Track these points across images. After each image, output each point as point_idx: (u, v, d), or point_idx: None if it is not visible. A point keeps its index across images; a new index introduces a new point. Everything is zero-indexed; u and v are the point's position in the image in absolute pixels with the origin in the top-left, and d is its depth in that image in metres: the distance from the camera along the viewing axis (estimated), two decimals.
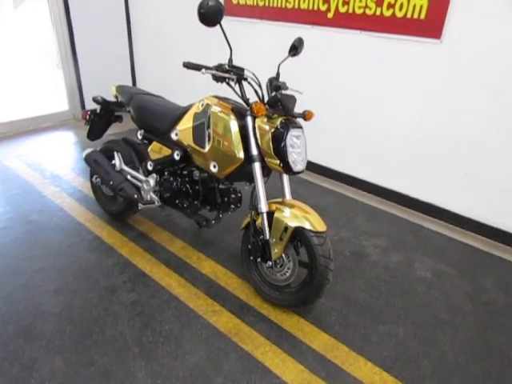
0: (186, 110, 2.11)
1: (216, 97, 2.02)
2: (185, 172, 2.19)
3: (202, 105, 1.99)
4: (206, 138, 1.93)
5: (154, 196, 2.26)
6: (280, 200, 1.95)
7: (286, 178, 1.99)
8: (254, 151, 1.83)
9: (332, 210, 2.98)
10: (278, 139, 1.75)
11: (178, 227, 2.63)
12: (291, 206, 1.87)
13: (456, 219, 2.82)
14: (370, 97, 2.96)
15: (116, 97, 2.49)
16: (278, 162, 1.77)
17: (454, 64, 2.49)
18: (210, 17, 1.65)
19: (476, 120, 2.53)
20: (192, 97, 2.63)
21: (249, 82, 1.87)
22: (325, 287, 1.84)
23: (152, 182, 2.25)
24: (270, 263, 1.89)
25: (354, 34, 2.83)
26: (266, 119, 1.80)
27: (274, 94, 1.82)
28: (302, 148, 1.82)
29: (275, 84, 1.91)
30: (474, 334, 1.95)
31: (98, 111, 2.58)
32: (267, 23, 3.27)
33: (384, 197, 3.15)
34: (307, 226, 1.78)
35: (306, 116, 1.89)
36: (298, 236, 1.83)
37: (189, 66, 1.78)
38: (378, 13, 2.63)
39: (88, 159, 2.42)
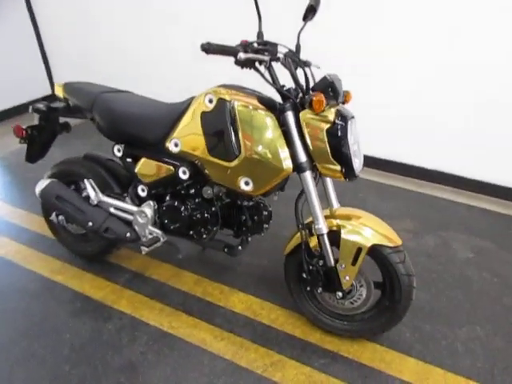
0: (181, 109, 1.55)
1: (224, 86, 1.49)
2: (192, 191, 1.65)
3: (211, 100, 1.45)
4: (233, 147, 1.41)
5: (154, 230, 1.69)
6: (327, 211, 1.55)
7: (329, 181, 1.57)
8: (303, 157, 1.38)
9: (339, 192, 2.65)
10: (338, 138, 1.32)
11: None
12: (349, 218, 1.49)
13: (460, 182, 2.69)
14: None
15: (66, 99, 1.80)
16: (339, 167, 1.35)
17: None
18: None
19: None
20: (137, 83, 2.01)
21: (283, 63, 1.37)
22: (408, 308, 1.52)
23: (149, 211, 1.67)
24: (340, 294, 1.50)
25: None
26: (312, 112, 1.35)
27: (324, 76, 1.35)
28: (358, 143, 1.42)
29: (298, 60, 1.45)
30: None
31: (38, 122, 1.88)
32: None
33: (383, 169, 2.90)
34: (384, 241, 1.42)
35: (345, 98, 1.47)
36: (371, 254, 1.47)
37: (210, 49, 1.21)
38: None
39: (46, 196, 1.74)
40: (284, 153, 1.37)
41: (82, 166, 1.83)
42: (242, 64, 1.31)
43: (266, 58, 1.30)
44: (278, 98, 1.45)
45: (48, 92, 3.94)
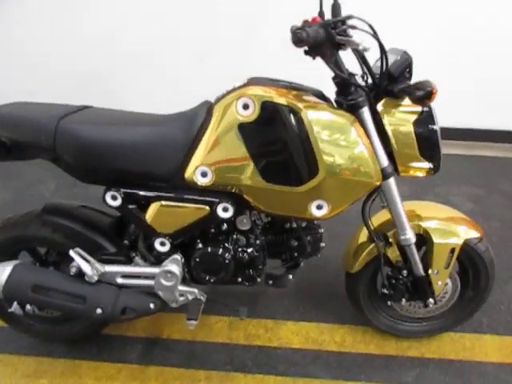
0: (198, 124, 1.10)
1: (257, 82, 1.09)
2: (224, 226, 1.25)
3: (246, 106, 1.04)
4: (307, 166, 1.05)
5: (188, 289, 1.25)
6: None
7: None
8: (385, 161, 1.10)
9: None
10: (428, 129, 1.09)
11: None
12: (423, 215, 1.33)
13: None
14: None
15: None
16: (427, 164, 1.12)
17: None
18: None
19: None
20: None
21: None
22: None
23: (177, 269, 1.21)
24: (432, 301, 1.32)
25: None
26: (385, 103, 1.07)
27: (403, 52, 1.06)
28: None
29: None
30: None
31: None
32: None
33: None
34: (473, 234, 1.28)
35: None
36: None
37: (309, 40, 0.81)
38: None
39: (16, 290, 1.12)
40: (374, 161, 1.06)
41: (42, 225, 1.23)
42: (322, 54, 0.93)
43: (359, 40, 0.93)
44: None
45: None
